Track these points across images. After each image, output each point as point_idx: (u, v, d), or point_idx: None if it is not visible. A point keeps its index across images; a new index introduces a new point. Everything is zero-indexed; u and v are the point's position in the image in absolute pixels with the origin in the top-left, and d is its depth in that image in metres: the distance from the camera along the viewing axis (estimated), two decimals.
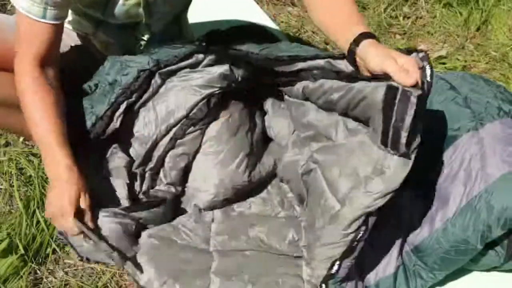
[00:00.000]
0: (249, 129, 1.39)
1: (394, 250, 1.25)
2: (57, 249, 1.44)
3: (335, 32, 1.15)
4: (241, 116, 1.37)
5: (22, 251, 1.40)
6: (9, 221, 1.48)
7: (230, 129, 1.35)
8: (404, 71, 0.98)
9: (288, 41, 1.43)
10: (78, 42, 1.46)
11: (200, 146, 1.34)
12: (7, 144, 1.65)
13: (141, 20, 1.36)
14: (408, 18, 2.21)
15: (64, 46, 1.37)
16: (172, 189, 1.34)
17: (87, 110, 1.25)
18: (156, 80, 1.27)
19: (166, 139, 1.31)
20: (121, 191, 1.25)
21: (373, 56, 1.04)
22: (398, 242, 1.25)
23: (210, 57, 1.28)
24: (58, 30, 1.21)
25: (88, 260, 1.30)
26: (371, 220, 1.07)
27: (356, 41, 1.07)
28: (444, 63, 2.02)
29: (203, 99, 1.28)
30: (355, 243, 1.07)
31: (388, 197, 1.02)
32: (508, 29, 2.15)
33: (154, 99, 1.28)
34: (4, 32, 1.29)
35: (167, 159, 1.33)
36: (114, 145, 1.29)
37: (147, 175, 1.33)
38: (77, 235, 1.13)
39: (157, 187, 1.34)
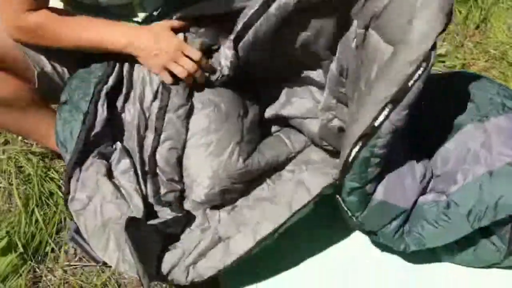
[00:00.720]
0: (239, 116, 1.38)
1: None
2: (56, 248, 1.44)
3: None
4: (230, 104, 1.36)
5: (21, 250, 1.40)
6: (8, 219, 1.48)
7: (218, 118, 1.33)
8: None
9: None
10: None
11: (186, 138, 1.33)
12: (6, 143, 1.65)
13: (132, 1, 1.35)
14: None
15: None
16: (176, 185, 1.33)
17: (68, 115, 1.25)
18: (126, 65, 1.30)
19: (150, 137, 1.30)
20: (137, 199, 1.23)
21: None
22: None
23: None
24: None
25: (105, 263, 1.29)
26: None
27: None
28: (443, 61, 2.02)
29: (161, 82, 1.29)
30: (411, 82, 1.05)
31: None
32: (507, 27, 2.15)
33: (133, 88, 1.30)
34: (2, 32, 1.28)
35: (157, 158, 1.31)
36: (116, 150, 1.28)
37: (148, 178, 1.31)
38: (195, 71, 1.25)
39: (161, 188, 1.32)
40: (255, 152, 1.40)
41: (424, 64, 1.03)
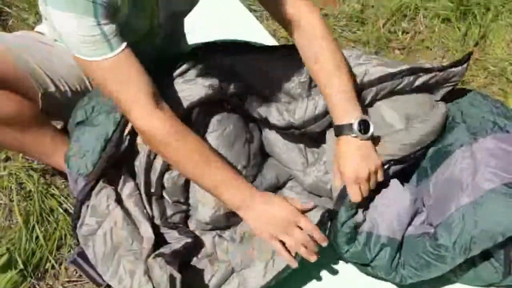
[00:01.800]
0: (246, 140, 1.39)
1: None
2: (56, 265, 1.44)
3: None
4: (237, 128, 1.37)
5: (22, 266, 1.40)
6: (9, 236, 1.47)
7: (226, 141, 1.34)
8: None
9: None
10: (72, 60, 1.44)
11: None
12: (7, 159, 1.65)
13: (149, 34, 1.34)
14: (407, 33, 2.22)
15: (65, 63, 1.37)
16: (181, 206, 1.33)
17: (89, 135, 1.24)
18: None
19: (159, 160, 1.28)
20: (146, 226, 1.23)
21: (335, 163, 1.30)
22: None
23: (200, 66, 1.31)
24: (133, 53, 1.13)
25: (99, 284, 1.29)
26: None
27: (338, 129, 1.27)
28: None
29: (186, 108, 1.27)
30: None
31: None
32: (506, 44, 2.16)
33: None
34: (3, 52, 1.27)
35: (165, 180, 1.31)
36: (123, 173, 1.28)
37: (153, 200, 1.31)
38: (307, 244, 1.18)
39: (167, 210, 1.32)
40: (258, 175, 1.40)
41: None
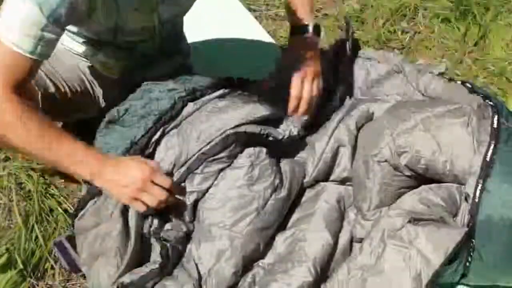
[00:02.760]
0: (267, 187, 1.29)
1: None
2: (55, 265, 1.44)
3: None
4: (262, 170, 1.30)
5: (21, 266, 1.39)
6: (8, 236, 1.47)
7: (249, 178, 1.29)
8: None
9: None
10: (72, 61, 1.45)
11: (211, 185, 1.29)
12: (6, 159, 1.65)
13: (149, 34, 1.35)
14: (407, 33, 2.22)
15: (61, 66, 1.37)
16: (183, 225, 1.29)
17: (117, 135, 1.25)
18: (188, 108, 1.30)
19: (181, 170, 1.27)
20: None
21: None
22: None
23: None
24: (38, 66, 1.16)
25: (75, 271, 1.31)
26: None
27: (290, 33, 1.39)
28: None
29: (221, 134, 1.26)
30: None
31: None
32: (506, 44, 2.16)
33: (181, 126, 1.29)
34: None
35: None
36: None
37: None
38: (166, 199, 1.17)
39: (167, 225, 1.28)
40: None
41: None
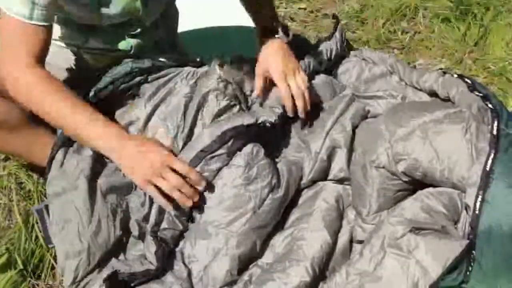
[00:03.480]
0: (264, 187, 1.29)
1: None
2: (56, 265, 1.44)
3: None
4: (260, 170, 1.29)
5: (21, 266, 1.40)
6: (8, 236, 1.47)
7: (246, 178, 1.28)
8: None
9: None
10: (69, 61, 1.46)
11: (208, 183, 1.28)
12: (6, 159, 1.65)
13: (135, 16, 1.35)
14: (407, 33, 2.22)
15: (58, 68, 1.38)
16: (179, 224, 1.28)
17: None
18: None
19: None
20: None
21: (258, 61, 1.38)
22: None
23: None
24: (47, 35, 1.20)
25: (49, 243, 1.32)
26: None
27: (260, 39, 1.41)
28: None
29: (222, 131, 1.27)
30: None
31: None
32: (506, 43, 2.16)
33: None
34: None
35: None
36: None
37: (153, 207, 1.27)
38: (181, 187, 1.16)
39: (163, 223, 1.27)
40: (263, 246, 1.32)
41: None
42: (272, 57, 1.36)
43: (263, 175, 1.28)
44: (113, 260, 1.24)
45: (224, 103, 1.35)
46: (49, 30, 1.21)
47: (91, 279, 1.20)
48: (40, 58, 1.20)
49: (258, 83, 1.36)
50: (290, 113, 1.36)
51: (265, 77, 1.36)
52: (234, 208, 1.26)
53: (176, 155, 1.23)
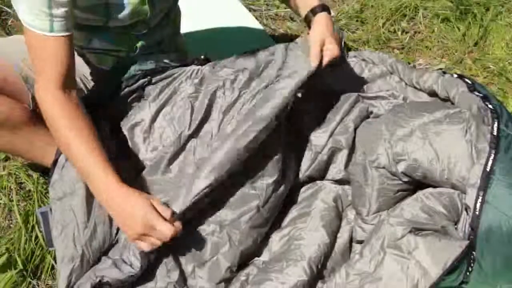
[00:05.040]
0: (270, 185, 1.30)
1: None
2: (55, 265, 1.44)
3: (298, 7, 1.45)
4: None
5: (21, 266, 1.40)
6: (8, 236, 1.48)
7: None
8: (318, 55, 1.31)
9: None
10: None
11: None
12: (6, 159, 1.65)
13: (142, 18, 1.35)
14: (407, 32, 2.22)
15: None
16: None
17: None
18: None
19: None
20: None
21: (313, 30, 1.35)
22: None
23: None
24: (70, 44, 1.20)
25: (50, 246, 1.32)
26: None
27: (312, 11, 1.38)
28: None
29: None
30: None
31: None
32: (506, 43, 2.16)
33: None
34: (2, 56, 1.30)
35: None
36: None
37: None
38: (175, 234, 1.13)
39: None
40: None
41: None
42: (328, 29, 1.35)
43: (272, 173, 1.29)
44: (104, 259, 1.23)
45: (233, 96, 1.34)
46: (71, 39, 1.20)
47: (82, 282, 1.19)
48: (68, 77, 1.20)
49: (316, 49, 1.33)
50: (312, 60, 1.33)
51: (321, 45, 1.35)
52: (239, 206, 1.27)
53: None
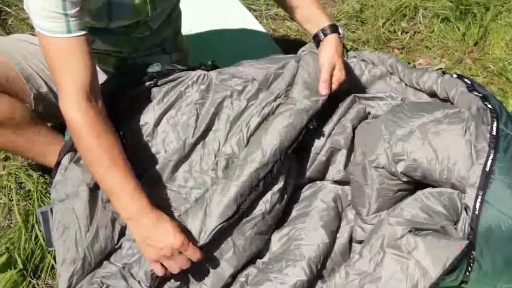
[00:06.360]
0: (275, 193, 1.29)
1: None
2: (55, 264, 1.44)
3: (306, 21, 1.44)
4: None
5: (21, 266, 1.40)
6: (8, 235, 1.48)
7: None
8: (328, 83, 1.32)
9: None
10: None
11: None
12: (6, 158, 1.65)
13: (143, 18, 1.35)
14: (407, 32, 2.22)
15: None
16: None
17: None
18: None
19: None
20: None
21: (323, 52, 1.35)
22: None
23: None
24: (88, 45, 1.16)
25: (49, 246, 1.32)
26: None
27: (323, 31, 1.37)
28: None
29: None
30: None
31: None
32: (506, 43, 2.16)
33: None
34: (4, 55, 1.30)
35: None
36: None
37: None
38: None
39: None
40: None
41: None
42: (337, 52, 1.36)
43: (279, 180, 1.29)
44: (106, 263, 1.23)
45: (241, 106, 1.33)
46: (88, 40, 1.18)
47: (82, 285, 1.20)
48: (92, 84, 1.16)
49: (326, 77, 1.34)
50: (321, 85, 1.34)
51: (331, 70, 1.35)
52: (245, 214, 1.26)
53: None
